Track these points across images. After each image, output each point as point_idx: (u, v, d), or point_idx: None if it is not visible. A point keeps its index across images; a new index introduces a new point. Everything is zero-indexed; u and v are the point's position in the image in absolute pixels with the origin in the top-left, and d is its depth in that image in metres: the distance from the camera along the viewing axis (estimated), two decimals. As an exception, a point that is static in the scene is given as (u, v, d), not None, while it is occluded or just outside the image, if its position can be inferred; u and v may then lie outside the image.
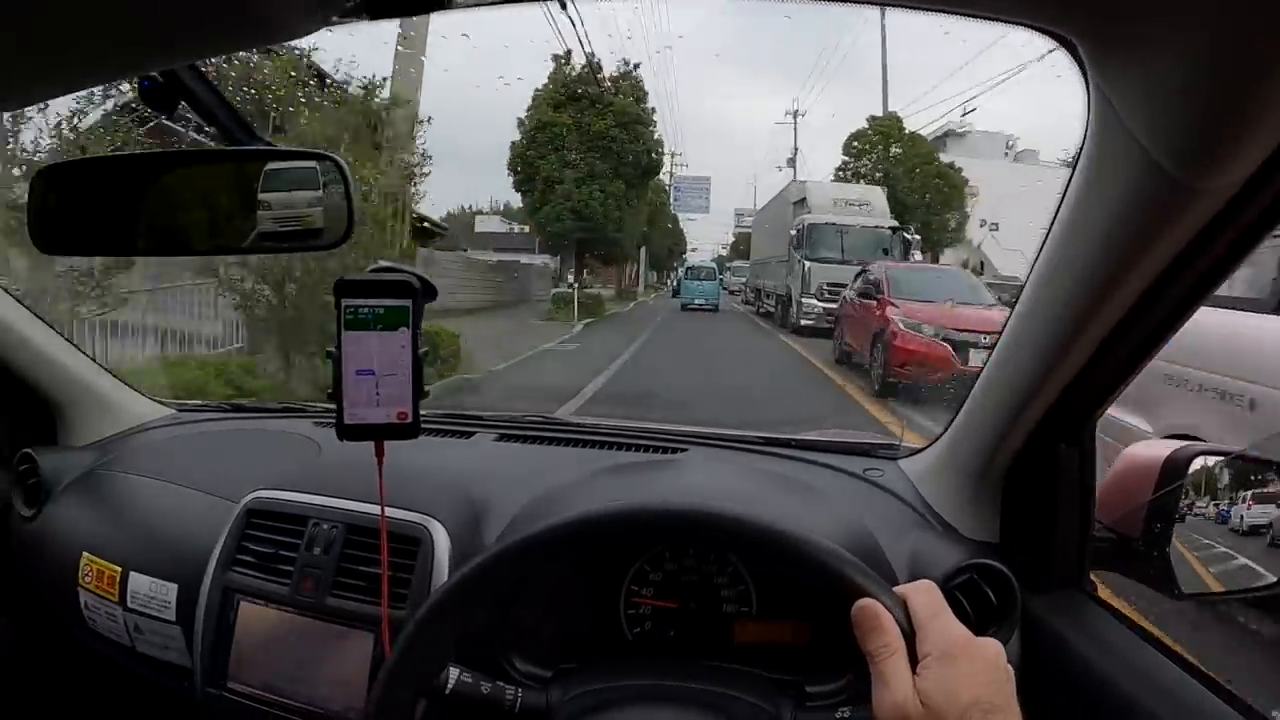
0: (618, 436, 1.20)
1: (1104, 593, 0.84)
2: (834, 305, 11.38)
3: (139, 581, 1.02)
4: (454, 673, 0.64)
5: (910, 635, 0.50)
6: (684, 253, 50.36)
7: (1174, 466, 0.82)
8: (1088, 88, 0.46)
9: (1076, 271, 0.59)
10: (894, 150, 25.53)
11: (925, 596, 0.52)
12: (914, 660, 0.48)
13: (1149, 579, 0.83)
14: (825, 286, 12.89)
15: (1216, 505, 0.84)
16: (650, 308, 24.49)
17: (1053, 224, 0.59)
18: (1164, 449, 0.84)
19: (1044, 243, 0.61)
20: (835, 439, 1.20)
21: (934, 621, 0.50)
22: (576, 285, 18.35)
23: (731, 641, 0.84)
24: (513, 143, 20.40)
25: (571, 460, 1.12)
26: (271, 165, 0.65)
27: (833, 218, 14.90)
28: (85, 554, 1.08)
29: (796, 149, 35.98)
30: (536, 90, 20.36)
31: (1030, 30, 0.41)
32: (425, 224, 15.52)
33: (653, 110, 21.05)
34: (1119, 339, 0.62)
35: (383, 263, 0.69)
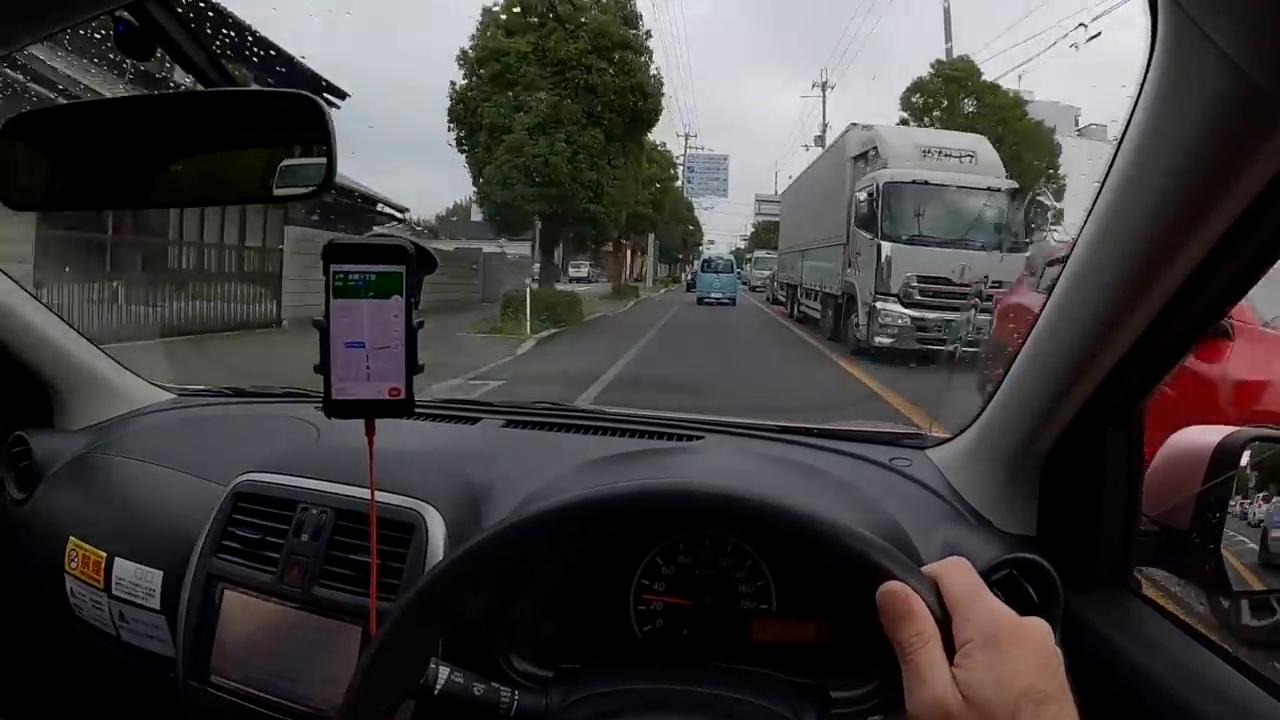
0: (631, 424, 1.15)
1: (1149, 590, 0.78)
2: (930, 313, 8.53)
3: (124, 568, 0.99)
4: (444, 672, 0.59)
5: (946, 621, 0.44)
6: (699, 245, 48.18)
7: (1226, 453, 0.76)
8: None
9: (1144, 212, 0.52)
10: (967, 107, 18.87)
11: (960, 575, 0.46)
12: (951, 649, 0.43)
13: (1199, 576, 0.77)
14: (913, 283, 8.95)
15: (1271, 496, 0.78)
16: (654, 307, 20.10)
17: (1108, 173, 0.53)
18: (1215, 434, 0.78)
19: (1097, 196, 0.55)
20: (859, 428, 1.15)
21: (973, 603, 0.44)
22: (533, 282, 14.40)
23: (749, 641, 0.78)
24: (452, 82, 14.64)
25: (582, 447, 1.07)
26: (250, 134, 0.61)
27: (925, 173, 9.62)
28: (72, 539, 1.05)
29: (826, 124, 31.45)
30: (486, 7, 14.75)
31: None
32: (359, 198, 11.61)
33: (647, 34, 15.22)
34: (1186, 302, 0.55)
35: (377, 230, 0.65)
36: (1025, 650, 0.42)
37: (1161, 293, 0.55)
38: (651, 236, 31.07)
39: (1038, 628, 0.44)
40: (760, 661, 0.74)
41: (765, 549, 0.79)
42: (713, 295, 20.72)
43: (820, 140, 29.56)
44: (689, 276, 36.65)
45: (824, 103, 33.59)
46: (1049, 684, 0.41)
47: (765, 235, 39.68)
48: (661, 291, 32.85)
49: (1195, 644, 0.67)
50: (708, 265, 23.94)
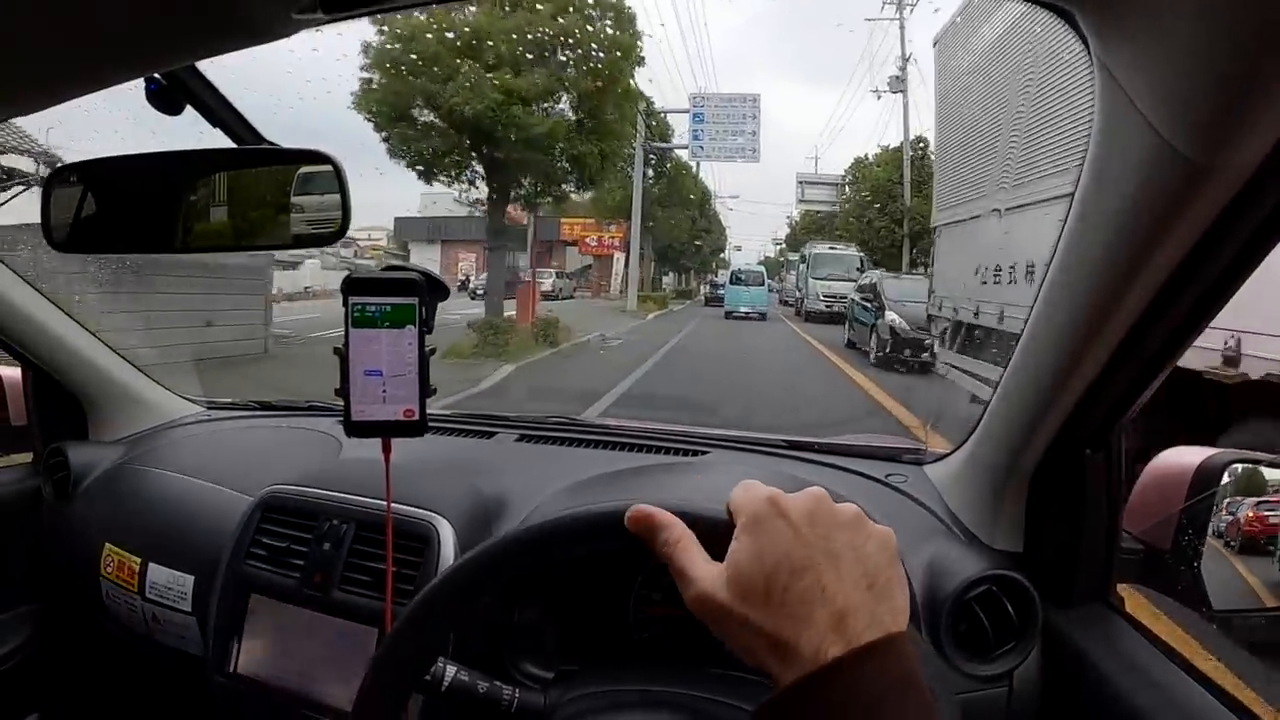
0: (640, 438, 1.19)
1: (1131, 607, 0.80)
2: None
3: (157, 573, 1.04)
4: (451, 670, 0.64)
5: (730, 529, 0.43)
6: (721, 250, 38.17)
7: (1206, 474, 0.79)
8: (1091, 64, 0.44)
9: (1093, 263, 0.56)
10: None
11: (741, 487, 0.44)
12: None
13: (1178, 593, 0.79)
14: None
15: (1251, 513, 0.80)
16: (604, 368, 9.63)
17: (1068, 215, 0.56)
18: (1196, 456, 0.80)
19: (1060, 236, 0.58)
20: (859, 443, 1.17)
21: (742, 496, 0.43)
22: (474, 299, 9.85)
23: None
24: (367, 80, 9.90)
25: (591, 461, 1.11)
26: (273, 171, 0.67)
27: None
28: (108, 545, 1.11)
29: (908, 55, 23.01)
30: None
31: (1029, 2, 0.39)
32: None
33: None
34: (1142, 336, 0.59)
35: (393, 262, 0.69)
36: (785, 523, 0.40)
37: (1115, 332, 0.59)
38: (636, 228, 21.00)
39: (804, 499, 0.42)
40: (753, 670, 0.78)
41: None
42: (741, 310, 19.32)
43: (900, 79, 22.68)
44: (707, 289, 30.97)
45: (901, 27, 23.11)
46: (809, 551, 0.39)
47: (807, 232, 30.27)
48: (652, 315, 18.75)
49: (1168, 661, 0.69)
50: (736, 278, 22.13)
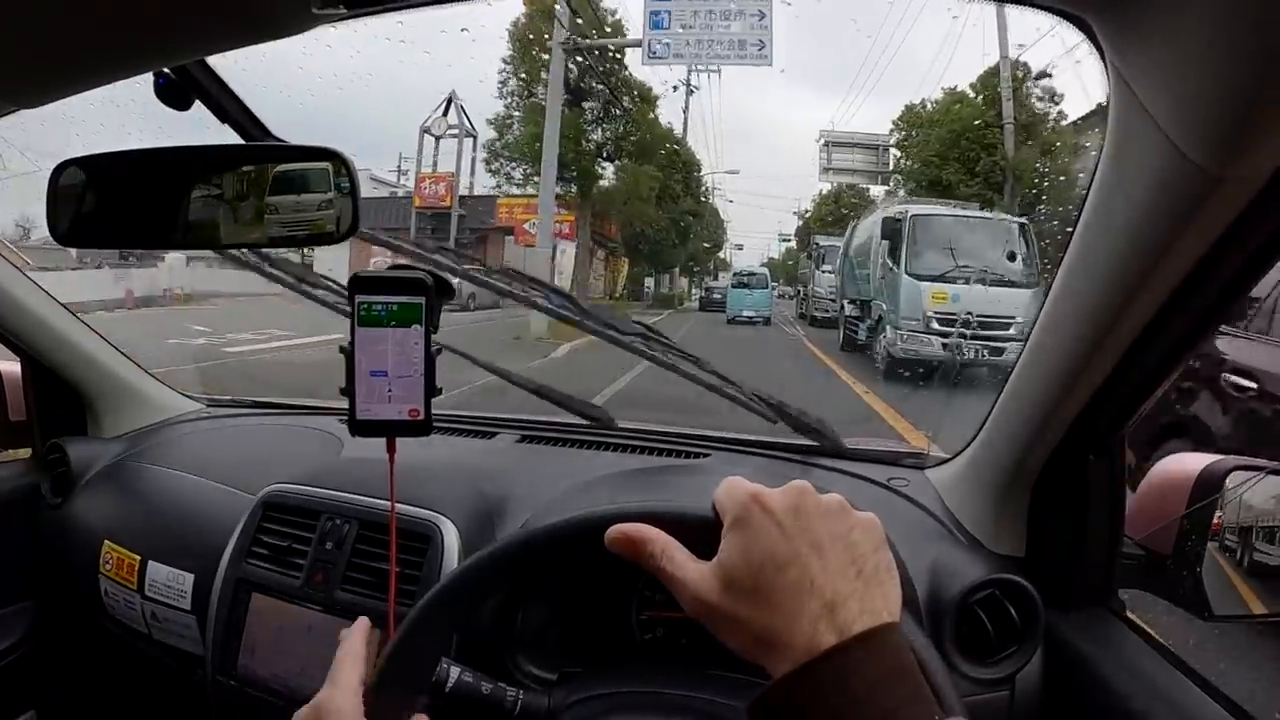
0: (643, 440, 1.19)
1: (1133, 612, 0.80)
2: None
3: (157, 570, 1.04)
4: (455, 671, 0.64)
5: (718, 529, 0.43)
6: (718, 248, 32.94)
7: (1208, 480, 0.79)
8: (1107, 73, 0.44)
9: (1101, 270, 0.56)
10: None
11: (724, 485, 0.45)
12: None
13: (1179, 599, 0.79)
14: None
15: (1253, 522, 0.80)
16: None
17: (1078, 222, 0.57)
18: (1198, 462, 0.80)
19: (1069, 242, 0.59)
20: (861, 447, 1.17)
21: (727, 496, 0.43)
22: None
23: None
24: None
25: (591, 464, 1.11)
26: (281, 168, 0.66)
27: None
28: (107, 542, 1.10)
29: None
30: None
31: (1042, 11, 0.39)
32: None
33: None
34: (1148, 344, 0.59)
35: (400, 261, 0.69)
36: (769, 519, 0.40)
37: (1122, 339, 0.60)
38: (547, 160, 12.22)
39: (786, 494, 0.42)
40: (756, 670, 0.78)
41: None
42: (745, 314, 17.47)
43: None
44: (701, 292, 26.65)
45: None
46: (792, 544, 0.39)
47: (825, 221, 22.11)
48: (561, 351, 8.52)
49: (1169, 666, 0.70)
50: (739, 279, 19.94)
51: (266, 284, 1.15)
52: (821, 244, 15.79)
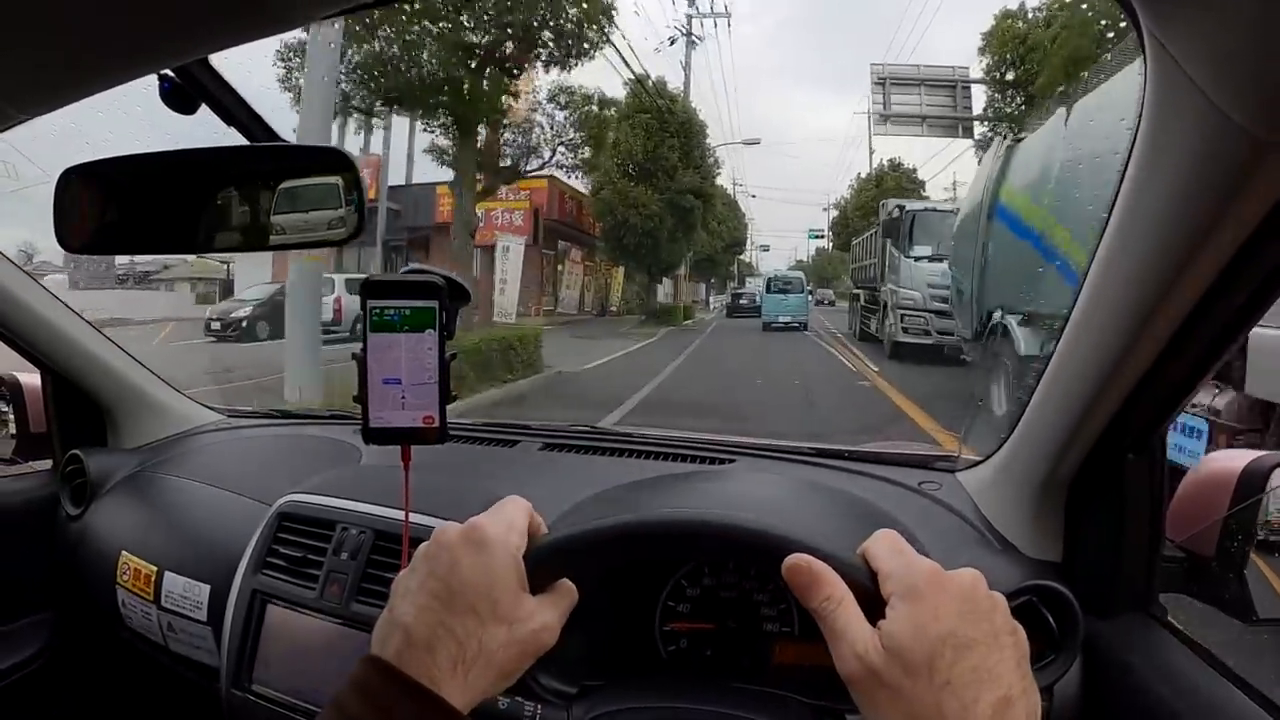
0: (665, 447, 1.17)
1: (1174, 617, 0.77)
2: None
3: (174, 581, 1.04)
4: None
5: (875, 589, 0.44)
6: (738, 246, 31.36)
7: (1252, 478, 0.76)
8: (1141, 38, 0.41)
9: (1142, 253, 0.53)
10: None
11: (885, 540, 0.46)
12: (882, 610, 0.43)
13: (1223, 603, 0.76)
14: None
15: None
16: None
17: (1113, 204, 0.54)
18: (1241, 459, 0.77)
19: (1105, 226, 0.56)
20: (890, 450, 1.14)
21: (894, 560, 0.44)
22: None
23: (770, 663, 0.79)
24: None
25: (615, 470, 1.09)
26: (288, 183, 0.65)
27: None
28: (124, 553, 1.10)
29: None
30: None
31: None
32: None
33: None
34: (1190, 333, 0.56)
35: (413, 265, 0.68)
36: (947, 598, 0.41)
37: (1164, 327, 0.56)
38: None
39: (963, 577, 0.43)
40: (780, 684, 0.75)
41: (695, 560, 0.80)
42: (781, 319, 17.83)
43: None
44: (727, 298, 28.00)
45: None
46: (973, 629, 0.41)
47: (879, 200, 15.39)
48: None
49: (1215, 674, 0.66)
50: (773, 285, 20.05)
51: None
52: (909, 208, 10.14)
